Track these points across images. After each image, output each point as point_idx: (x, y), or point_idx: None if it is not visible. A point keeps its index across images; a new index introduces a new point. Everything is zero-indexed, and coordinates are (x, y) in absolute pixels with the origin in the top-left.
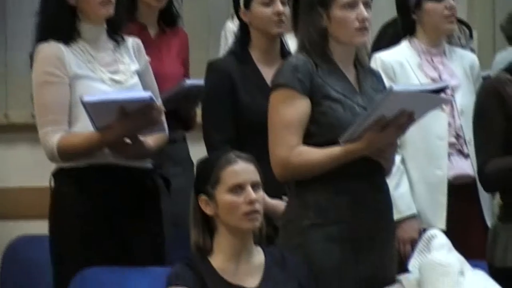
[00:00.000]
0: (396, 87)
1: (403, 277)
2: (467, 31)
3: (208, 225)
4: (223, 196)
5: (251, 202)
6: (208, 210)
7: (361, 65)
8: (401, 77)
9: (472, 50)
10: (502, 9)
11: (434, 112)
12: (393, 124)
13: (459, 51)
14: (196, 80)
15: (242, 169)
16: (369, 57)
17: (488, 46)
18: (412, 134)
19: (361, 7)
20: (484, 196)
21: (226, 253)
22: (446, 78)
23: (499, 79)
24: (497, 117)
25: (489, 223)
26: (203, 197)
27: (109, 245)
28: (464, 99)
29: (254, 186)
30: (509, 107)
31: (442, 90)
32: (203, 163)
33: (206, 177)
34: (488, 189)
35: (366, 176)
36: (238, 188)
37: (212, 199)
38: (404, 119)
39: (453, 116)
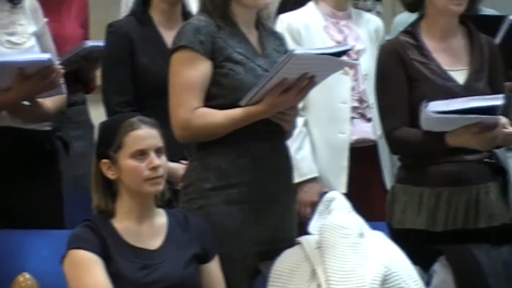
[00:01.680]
0: (297, 51)
1: (303, 239)
2: None
3: (110, 188)
4: (126, 161)
5: (154, 168)
6: (110, 174)
7: (263, 27)
8: (307, 39)
9: (379, 14)
10: None
11: (338, 76)
12: (295, 87)
13: (365, 14)
14: (97, 42)
15: (145, 134)
16: (274, 19)
17: (388, 9)
18: (316, 98)
19: None
20: (384, 159)
21: (128, 216)
22: (351, 42)
23: (399, 41)
24: (400, 80)
25: (388, 185)
26: (105, 161)
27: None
28: (369, 63)
29: (157, 151)
30: (410, 69)
31: (344, 52)
32: (105, 126)
33: (109, 141)
34: (395, 152)
35: (267, 138)
36: (141, 154)
37: (115, 164)
38: (305, 82)
39: (357, 80)
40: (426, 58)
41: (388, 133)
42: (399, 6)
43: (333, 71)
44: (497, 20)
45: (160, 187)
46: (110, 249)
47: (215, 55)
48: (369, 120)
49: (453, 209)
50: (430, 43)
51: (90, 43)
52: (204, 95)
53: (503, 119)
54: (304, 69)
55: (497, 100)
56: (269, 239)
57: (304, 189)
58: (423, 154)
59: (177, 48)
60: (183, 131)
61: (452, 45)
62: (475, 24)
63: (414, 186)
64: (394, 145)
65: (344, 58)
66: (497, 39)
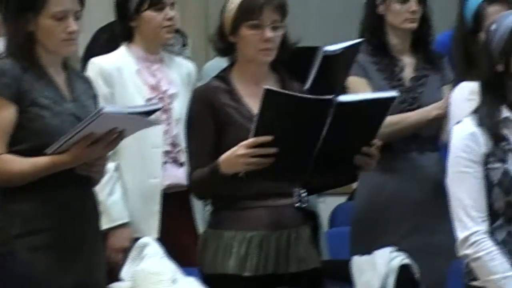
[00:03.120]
0: (106, 108)
1: (115, 285)
2: (181, 38)
3: None
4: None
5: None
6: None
7: (71, 70)
8: (119, 82)
9: (187, 58)
10: (215, 23)
11: None
12: (102, 140)
13: (177, 59)
14: None
15: None
16: (84, 62)
17: (201, 55)
18: (127, 142)
19: (70, 19)
20: (197, 204)
21: None
22: (164, 86)
23: (210, 86)
24: (207, 125)
25: (201, 230)
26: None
27: None
28: (181, 107)
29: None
30: (220, 114)
31: (154, 111)
32: None
33: None
34: (196, 196)
35: (73, 185)
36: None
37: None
38: (113, 137)
39: (170, 124)
40: (237, 102)
41: (188, 177)
42: (211, 51)
43: (142, 128)
44: (311, 52)
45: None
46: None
47: (20, 99)
48: (181, 164)
49: (264, 253)
50: (241, 88)
51: None
52: (9, 140)
53: None
54: (112, 125)
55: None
56: (75, 286)
57: (115, 235)
58: (216, 191)
59: None
60: None
61: None
62: (291, 57)
63: (226, 230)
64: (192, 189)
65: (152, 117)
66: (308, 82)
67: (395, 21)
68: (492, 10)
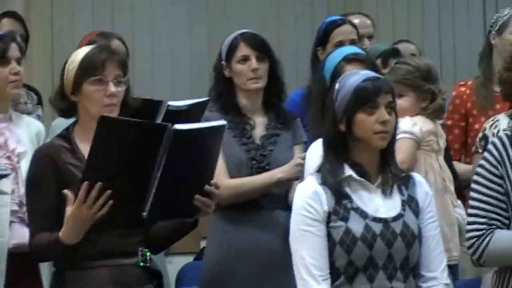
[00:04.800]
0: None
1: None
2: (35, 96)
3: None
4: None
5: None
6: None
7: None
8: None
9: (39, 117)
10: None
11: None
12: None
13: (26, 117)
14: None
15: None
16: None
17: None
18: None
19: None
20: (43, 265)
21: None
22: (12, 144)
23: (53, 145)
24: (50, 185)
25: None
26: None
27: None
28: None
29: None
30: (63, 173)
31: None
32: None
33: None
34: (37, 261)
35: None
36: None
37: None
38: None
39: (18, 183)
40: (80, 161)
41: (29, 241)
42: None
43: None
44: (156, 105)
45: None
46: None
47: None
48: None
49: None
50: (84, 147)
51: None
52: None
53: None
54: None
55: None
56: None
57: None
58: (58, 258)
59: None
60: None
61: None
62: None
63: None
64: (33, 253)
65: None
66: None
67: (240, 82)
68: (350, 69)
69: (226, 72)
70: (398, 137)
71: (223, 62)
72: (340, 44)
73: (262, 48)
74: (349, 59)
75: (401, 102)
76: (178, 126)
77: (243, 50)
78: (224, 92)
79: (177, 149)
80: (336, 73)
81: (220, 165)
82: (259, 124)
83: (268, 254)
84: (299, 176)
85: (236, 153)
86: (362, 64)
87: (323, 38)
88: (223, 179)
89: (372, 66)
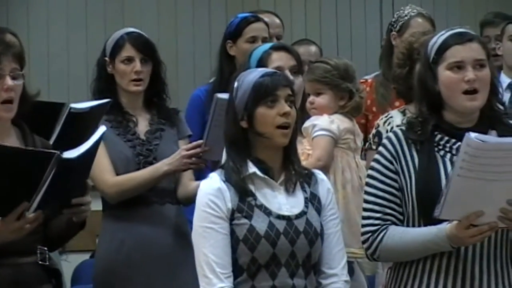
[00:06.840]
0: None
1: None
2: None
3: None
4: None
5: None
6: None
7: None
8: None
9: None
10: None
11: None
12: None
13: None
14: None
15: None
16: None
17: None
18: None
19: None
20: None
21: None
22: None
23: None
24: None
25: None
26: None
27: None
28: None
29: None
30: None
31: None
32: None
33: None
34: None
35: None
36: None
37: None
38: None
39: None
40: None
41: None
42: None
43: None
44: (56, 107)
45: None
46: None
47: None
48: None
49: None
50: None
51: None
52: None
53: None
54: None
55: None
56: None
57: None
58: None
59: None
60: None
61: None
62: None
63: None
64: None
65: None
66: (53, 138)
67: (122, 82)
68: (277, 57)
69: (109, 69)
70: (315, 134)
71: (107, 58)
72: (253, 40)
73: (146, 51)
74: (277, 47)
75: (319, 100)
76: (66, 155)
77: (128, 51)
78: (105, 90)
79: (60, 175)
80: (263, 60)
81: (105, 164)
82: (142, 120)
83: (160, 248)
84: (185, 168)
85: (122, 150)
86: (289, 53)
87: (235, 33)
88: (109, 178)
89: (297, 58)
